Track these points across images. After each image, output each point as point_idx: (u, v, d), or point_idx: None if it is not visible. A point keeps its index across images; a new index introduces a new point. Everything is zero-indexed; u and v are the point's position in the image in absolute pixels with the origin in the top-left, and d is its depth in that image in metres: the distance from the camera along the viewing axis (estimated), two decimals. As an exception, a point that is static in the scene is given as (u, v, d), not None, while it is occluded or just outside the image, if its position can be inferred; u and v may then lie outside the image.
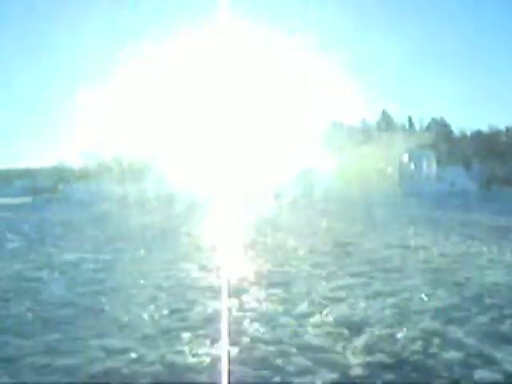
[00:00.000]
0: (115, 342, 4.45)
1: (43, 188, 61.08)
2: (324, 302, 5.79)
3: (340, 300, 5.84)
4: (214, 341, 4.41)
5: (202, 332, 4.68)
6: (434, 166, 54.05)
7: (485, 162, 55.25)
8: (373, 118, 66.50)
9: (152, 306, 5.61)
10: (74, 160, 68.45)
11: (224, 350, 4.21)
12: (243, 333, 4.66)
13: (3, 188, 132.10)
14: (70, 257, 9.22)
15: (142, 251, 9.84)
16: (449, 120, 62.73)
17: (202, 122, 57.98)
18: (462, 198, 39.59)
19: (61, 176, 63.64)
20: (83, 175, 61.34)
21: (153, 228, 15.29)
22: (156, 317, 5.22)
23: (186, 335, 4.60)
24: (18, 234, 13.77)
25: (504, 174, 54.16)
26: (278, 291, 6.31)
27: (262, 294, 6.14)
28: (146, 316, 5.23)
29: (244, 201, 32.64)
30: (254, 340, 4.46)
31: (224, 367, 3.87)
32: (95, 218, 20.90)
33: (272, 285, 6.72)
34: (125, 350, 4.22)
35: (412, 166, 55.04)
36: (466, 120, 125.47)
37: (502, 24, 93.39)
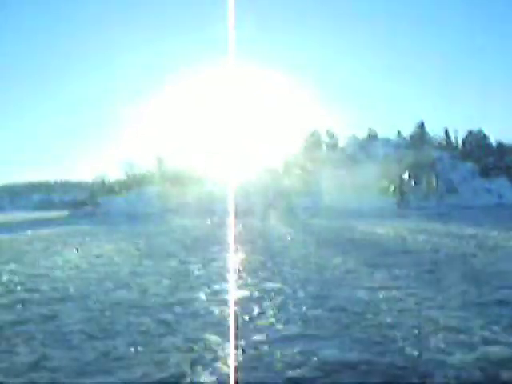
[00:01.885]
0: None
1: (80, 202, 60.43)
2: None
3: None
4: None
5: None
6: (479, 179, 53.64)
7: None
8: (407, 131, 66.13)
9: None
10: (109, 173, 68.08)
11: None
12: None
13: (19, 201, 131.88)
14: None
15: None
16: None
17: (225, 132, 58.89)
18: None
19: (97, 190, 63.11)
20: (119, 188, 60.84)
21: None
22: None
23: None
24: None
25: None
26: None
27: None
28: None
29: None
30: None
31: None
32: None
33: None
34: None
35: (454, 178, 54.59)
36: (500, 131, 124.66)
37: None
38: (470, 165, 55.46)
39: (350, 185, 54.77)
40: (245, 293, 6.48)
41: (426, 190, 53.21)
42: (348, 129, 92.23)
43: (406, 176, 55.69)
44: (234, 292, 6.51)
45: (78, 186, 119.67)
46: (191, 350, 4.17)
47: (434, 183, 53.63)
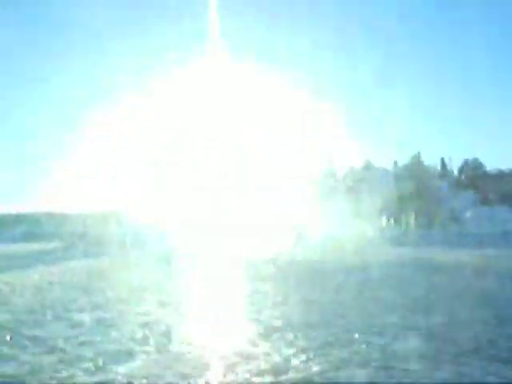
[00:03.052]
0: None
1: (78, 233, 58.88)
2: None
3: None
4: None
5: None
6: (480, 207, 54.51)
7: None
8: (402, 161, 67.15)
9: None
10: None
11: None
12: None
13: (1, 233, 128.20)
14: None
15: None
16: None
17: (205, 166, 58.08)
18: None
19: (93, 220, 61.77)
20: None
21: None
22: None
23: None
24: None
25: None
26: None
27: None
28: None
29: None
30: None
31: None
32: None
33: None
34: None
35: (456, 207, 55.40)
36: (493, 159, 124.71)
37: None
38: (470, 193, 56.44)
39: (351, 216, 54.94)
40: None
41: (429, 220, 53.76)
42: (341, 155, 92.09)
43: (406, 206, 56.26)
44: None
45: (61, 217, 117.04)
46: None
47: (436, 212, 54.30)
